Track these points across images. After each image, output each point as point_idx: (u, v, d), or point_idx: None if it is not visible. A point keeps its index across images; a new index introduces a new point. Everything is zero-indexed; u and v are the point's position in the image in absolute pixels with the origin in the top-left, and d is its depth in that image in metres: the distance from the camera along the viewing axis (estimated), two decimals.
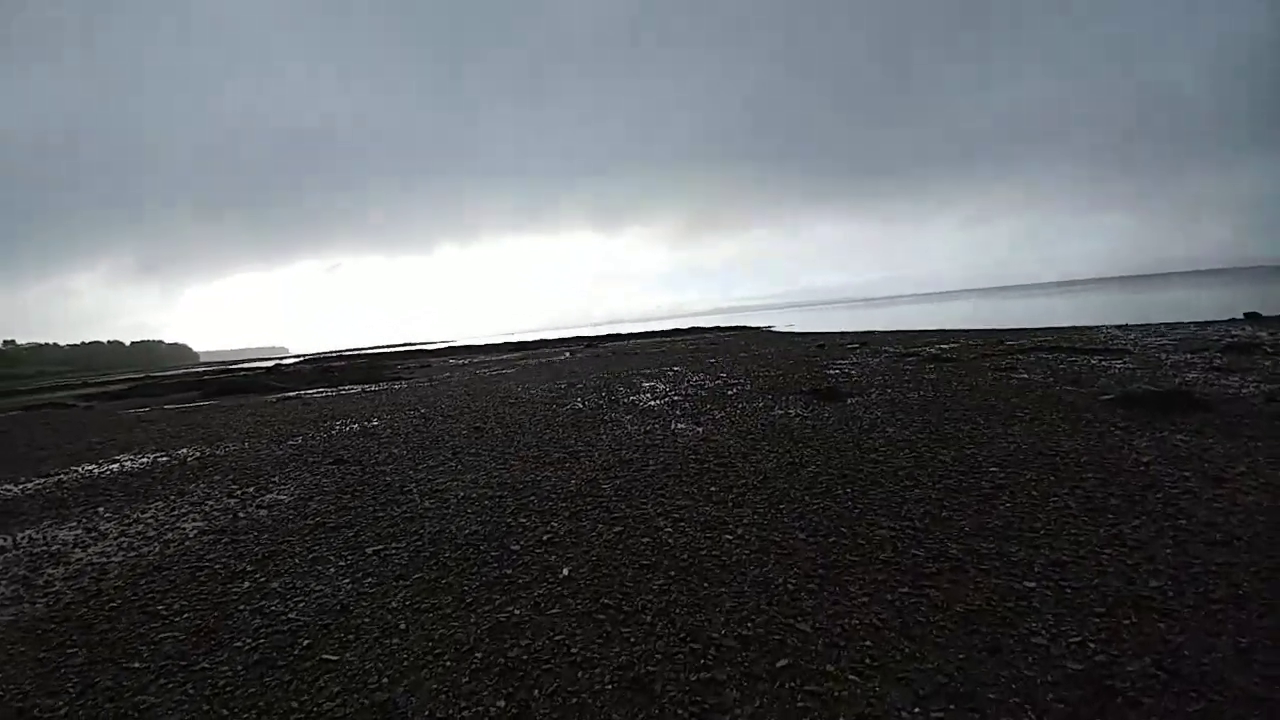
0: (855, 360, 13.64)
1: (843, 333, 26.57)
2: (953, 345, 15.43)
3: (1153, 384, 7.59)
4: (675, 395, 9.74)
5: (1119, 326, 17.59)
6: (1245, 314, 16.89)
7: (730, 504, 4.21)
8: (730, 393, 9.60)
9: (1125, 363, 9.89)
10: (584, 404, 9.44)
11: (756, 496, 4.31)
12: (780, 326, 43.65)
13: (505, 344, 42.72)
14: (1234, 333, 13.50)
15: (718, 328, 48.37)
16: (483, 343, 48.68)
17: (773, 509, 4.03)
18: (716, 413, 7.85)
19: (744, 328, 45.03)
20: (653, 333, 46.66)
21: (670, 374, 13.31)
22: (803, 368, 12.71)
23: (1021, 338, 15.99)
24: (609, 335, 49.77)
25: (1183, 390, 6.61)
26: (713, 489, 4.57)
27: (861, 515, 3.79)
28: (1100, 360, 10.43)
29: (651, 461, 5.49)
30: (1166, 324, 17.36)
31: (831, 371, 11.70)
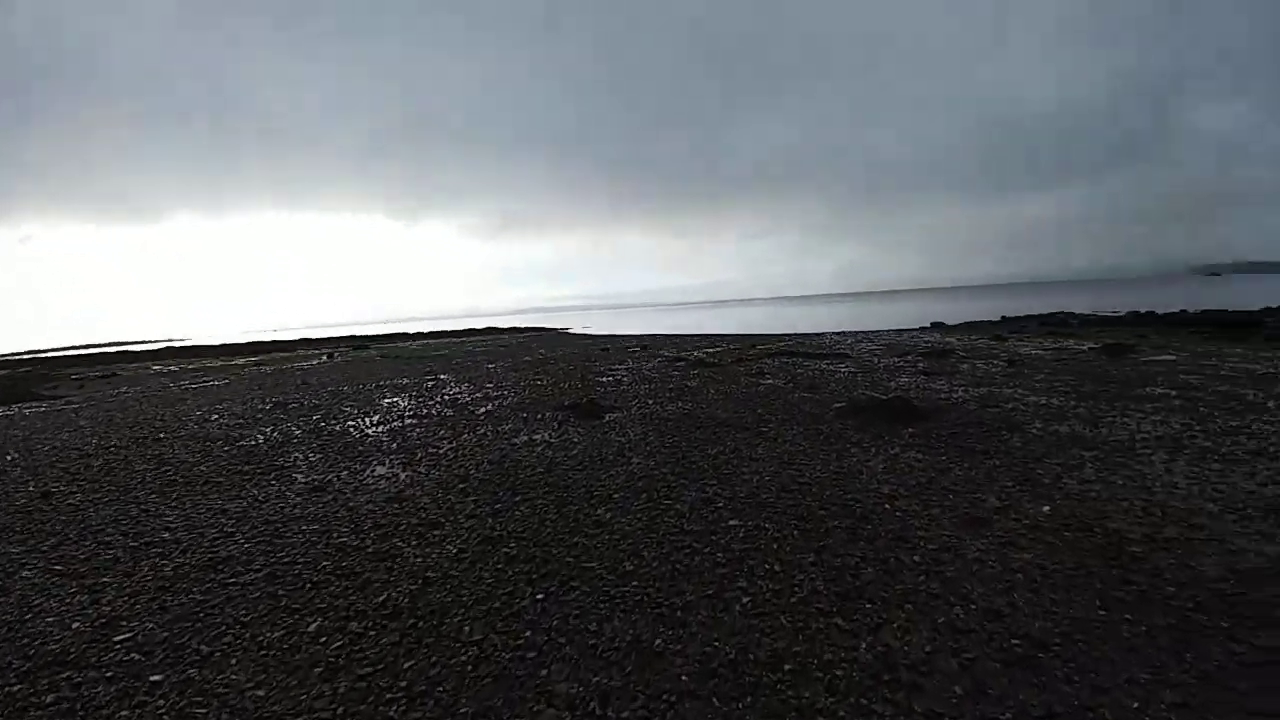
0: (631, 366, 12.86)
1: (632, 335, 26.52)
2: (717, 350, 15.67)
3: (874, 389, 7.77)
4: (411, 417, 7.59)
5: (840, 333, 19.91)
6: (932, 323, 20.43)
7: (311, 675, 2.21)
8: (482, 411, 7.78)
9: (848, 367, 10.47)
10: (269, 436, 6.73)
11: (387, 631, 2.53)
12: (578, 328, 43.03)
13: (249, 344, 34.06)
14: (926, 339, 15.87)
15: (515, 329, 45.98)
16: (220, 343, 38.51)
17: (387, 666, 2.33)
18: (446, 444, 5.96)
19: (543, 329, 43.35)
20: (445, 333, 42.27)
21: (428, 386, 10.98)
22: (577, 375, 11.44)
23: (769, 343, 16.97)
24: (394, 335, 43.85)
25: (900, 398, 6.63)
26: (309, 629, 2.59)
27: (540, 661, 2.26)
28: (828, 364, 10.98)
29: (260, 562, 3.24)
30: (876, 331, 20.18)
31: (604, 380, 10.60)
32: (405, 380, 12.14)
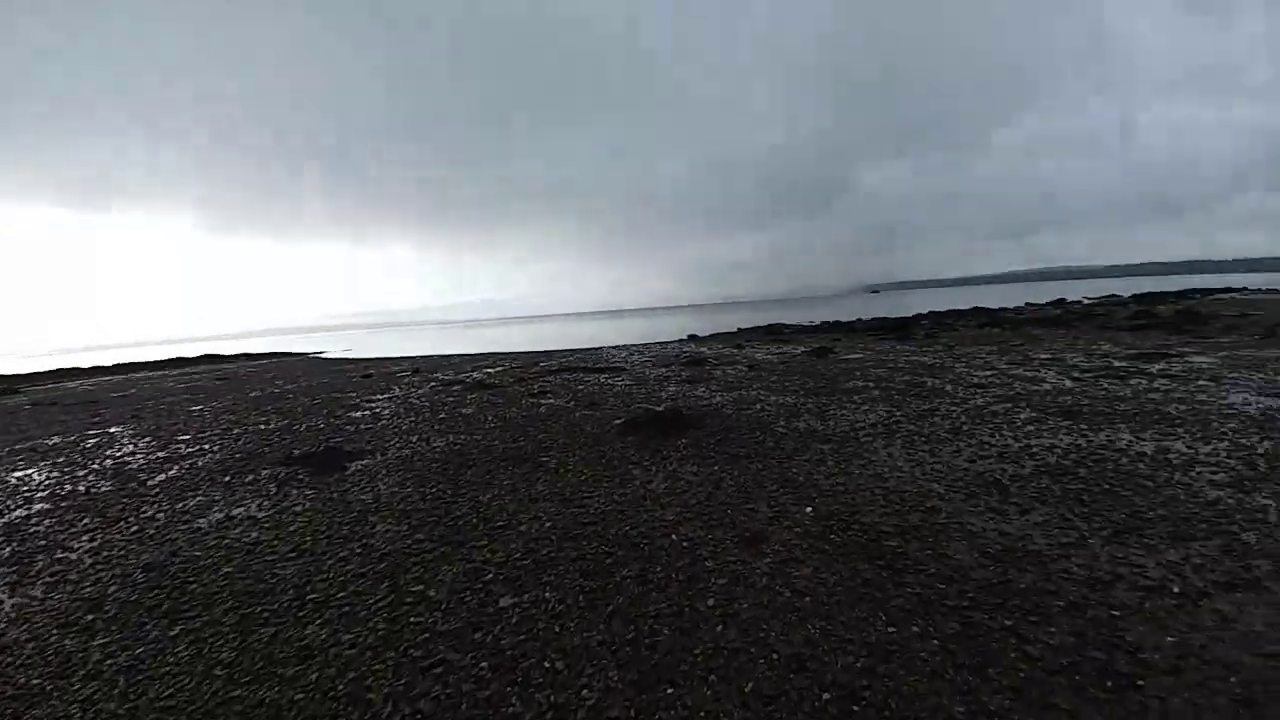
0: (398, 393, 11.05)
1: (405, 358, 23.49)
2: (498, 370, 14.64)
3: (649, 401, 7.86)
4: (44, 500, 5.01)
5: (615, 347, 20.67)
6: (689, 335, 22.45)
7: None
8: (159, 479, 5.54)
9: (624, 380, 10.60)
10: None
11: None
12: (336, 351, 36.85)
13: None
14: (685, 349, 17.24)
15: (247, 355, 37.20)
16: None
17: None
18: (87, 542, 3.93)
19: (284, 355, 35.85)
20: (142, 364, 31.60)
21: (88, 445, 7.67)
22: (322, 411, 9.29)
23: (552, 359, 16.63)
24: (65, 370, 30.93)
25: (672, 408, 6.71)
26: None
27: None
28: (607, 378, 10.99)
29: None
30: (645, 344, 21.42)
31: (356, 415, 8.77)
32: (56, 439, 8.36)
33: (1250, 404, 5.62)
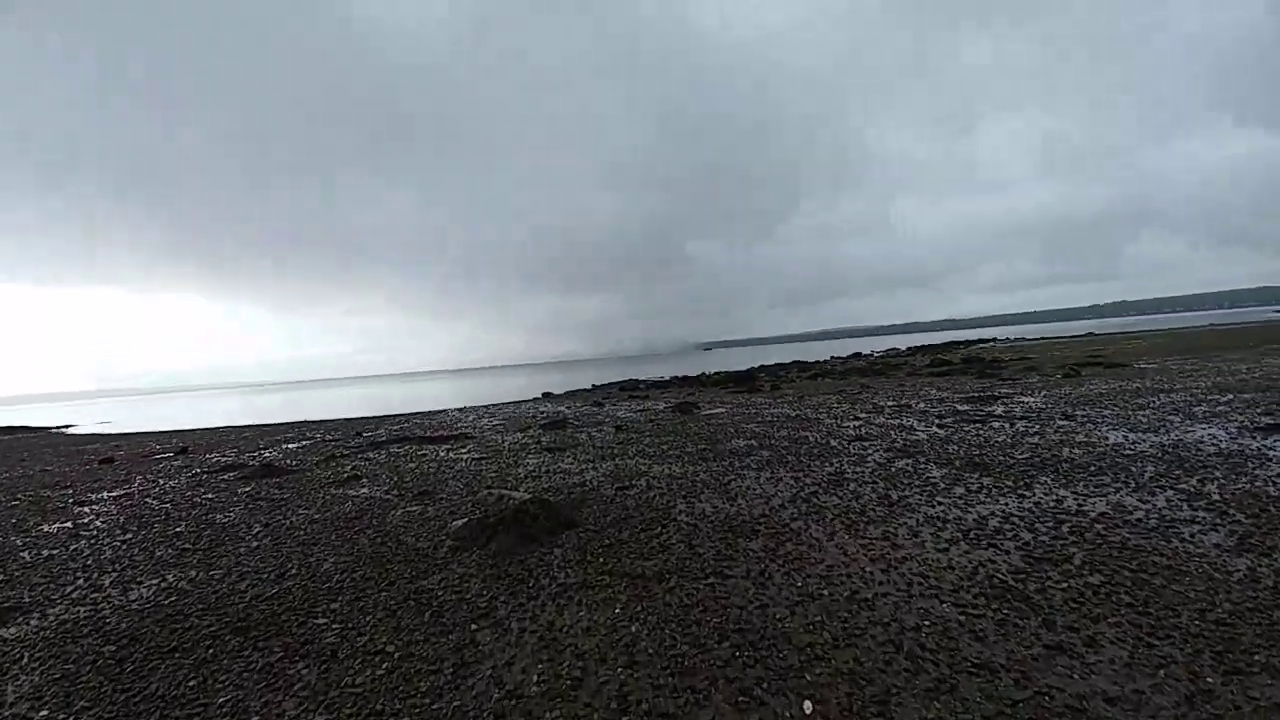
0: (135, 488, 7.40)
1: (180, 431, 17.52)
2: (303, 444, 11.11)
3: (503, 482, 5.79)
4: None
5: (461, 409, 17.80)
6: (543, 393, 20.35)
7: None
8: None
9: (472, 451, 8.33)
10: None
11: None
12: (90, 425, 27.17)
13: None
14: (542, 409, 15.17)
15: None
16: None
17: None
18: None
19: (19, 429, 24.95)
20: None
21: None
22: (5, 523, 5.56)
23: (381, 427, 13.37)
24: None
25: (537, 500, 4.77)
26: None
27: None
28: (449, 450, 8.60)
29: None
30: (496, 404, 18.83)
31: (49, 530, 5.40)
32: None
33: (1140, 443, 5.50)
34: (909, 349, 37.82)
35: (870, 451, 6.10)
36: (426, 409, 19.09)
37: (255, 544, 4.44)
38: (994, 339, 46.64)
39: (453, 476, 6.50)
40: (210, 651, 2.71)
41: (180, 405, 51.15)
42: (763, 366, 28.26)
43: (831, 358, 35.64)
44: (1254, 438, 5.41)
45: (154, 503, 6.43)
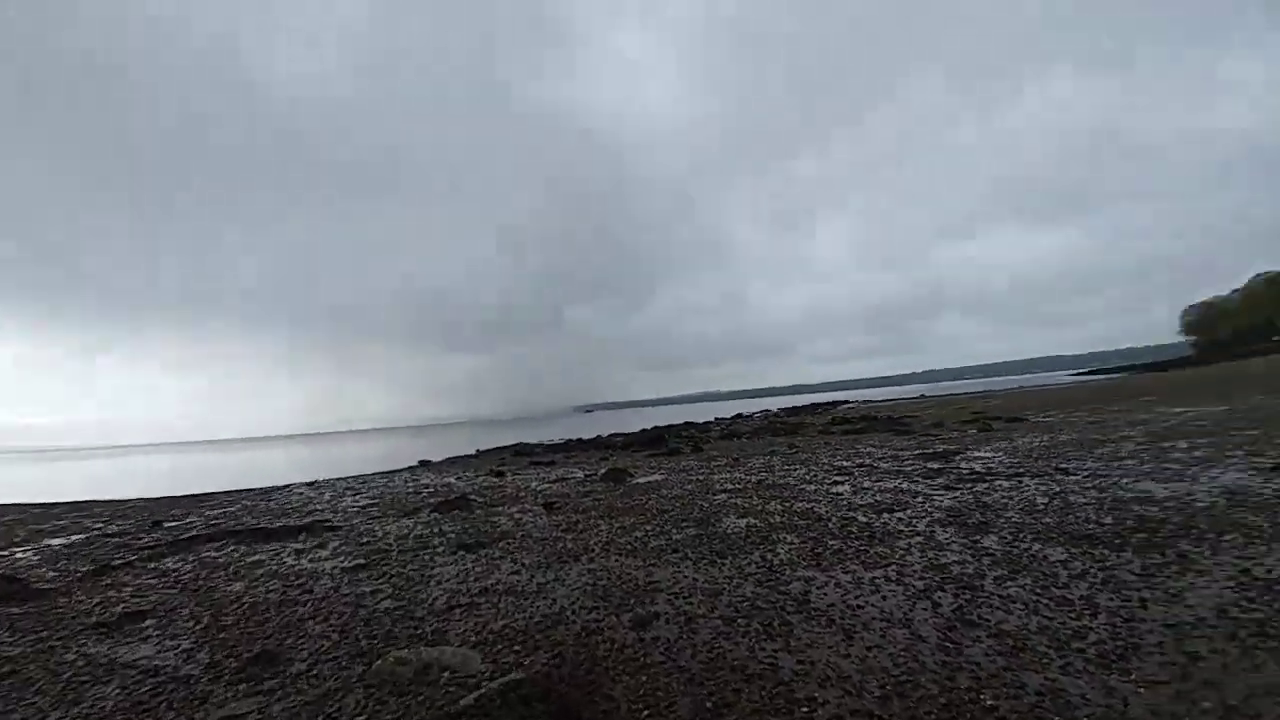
0: None
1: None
2: (73, 538, 6.87)
3: (411, 623, 3.29)
4: None
5: (313, 483, 13.56)
6: (420, 460, 16.63)
7: None
8: None
9: (339, 555, 5.43)
10: None
11: None
12: None
13: None
14: (425, 481, 11.87)
15: None
16: None
17: None
18: None
19: None
20: None
21: None
22: None
23: (196, 511, 9.14)
24: None
25: (496, 669, 2.49)
26: None
27: None
28: (300, 554, 5.57)
29: None
30: (361, 476, 14.77)
31: None
32: None
33: (1196, 491, 4.72)
34: (779, 410, 39.78)
35: (920, 524, 4.75)
36: (264, 484, 14.21)
37: None
38: (847, 401, 51.05)
39: (314, 613, 3.76)
40: None
41: None
42: (659, 428, 27.11)
43: (716, 419, 35.80)
44: None
45: None
